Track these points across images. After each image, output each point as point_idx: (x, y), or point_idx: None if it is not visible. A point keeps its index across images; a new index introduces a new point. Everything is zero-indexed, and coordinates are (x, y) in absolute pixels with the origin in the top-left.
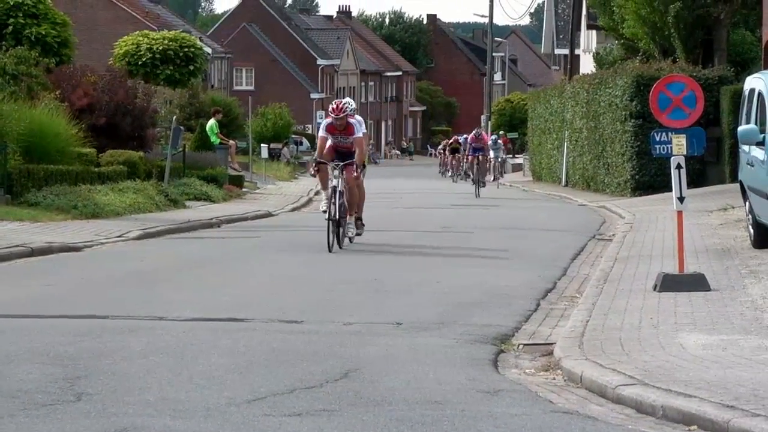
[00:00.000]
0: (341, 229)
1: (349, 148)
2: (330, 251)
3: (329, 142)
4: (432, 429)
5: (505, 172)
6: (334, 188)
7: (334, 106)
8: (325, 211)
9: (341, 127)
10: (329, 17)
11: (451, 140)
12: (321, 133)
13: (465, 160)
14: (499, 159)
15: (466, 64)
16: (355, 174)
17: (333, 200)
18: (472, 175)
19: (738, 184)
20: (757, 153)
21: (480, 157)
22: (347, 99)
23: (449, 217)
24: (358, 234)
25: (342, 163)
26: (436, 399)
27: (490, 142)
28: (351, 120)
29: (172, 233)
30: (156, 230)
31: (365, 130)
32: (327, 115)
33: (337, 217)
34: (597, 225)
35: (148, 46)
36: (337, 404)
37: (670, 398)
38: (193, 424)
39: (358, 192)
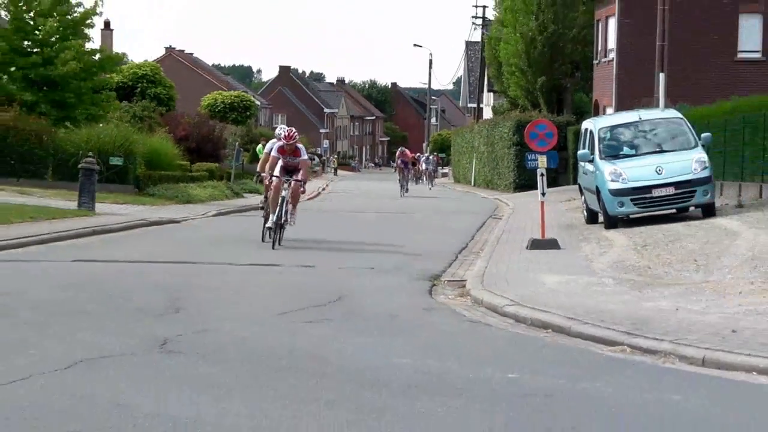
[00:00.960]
0: (282, 231)
1: (295, 166)
2: (273, 248)
3: (279, 162)
4: (391, 330)
5: (436, 178)
6: (283, 198)
7: (286, 133)
8: (269, 228)
9: (290, 150)
10: (331, 83)
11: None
12: (273, 153)
13: (396, 171)
14: (430, 169)
15: (415, 112)
16: (302, 189)
17: (280, 207)
18: (401, 181)
19: (577, 186)
20: (588, 167)
21: (405, 170)
22: (290, 128)
23: (402, 205)
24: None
25: (291, 179)
26: (394, 313)
27: (423, 158)
28: (298, 145)
29: (236, 213)
30: (226, 211)
31: (306, 156)
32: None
33: (282, 221)
34: (492, 209)
35: (222, 100)
36: (335, 316)
37: (536, 313)
38: (245, 326)
39: (297, 196)
